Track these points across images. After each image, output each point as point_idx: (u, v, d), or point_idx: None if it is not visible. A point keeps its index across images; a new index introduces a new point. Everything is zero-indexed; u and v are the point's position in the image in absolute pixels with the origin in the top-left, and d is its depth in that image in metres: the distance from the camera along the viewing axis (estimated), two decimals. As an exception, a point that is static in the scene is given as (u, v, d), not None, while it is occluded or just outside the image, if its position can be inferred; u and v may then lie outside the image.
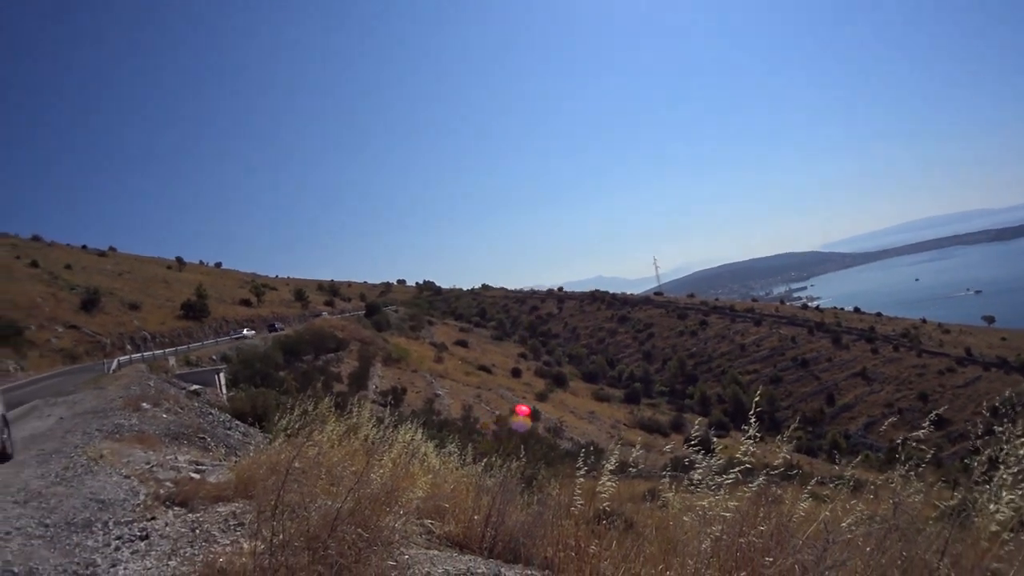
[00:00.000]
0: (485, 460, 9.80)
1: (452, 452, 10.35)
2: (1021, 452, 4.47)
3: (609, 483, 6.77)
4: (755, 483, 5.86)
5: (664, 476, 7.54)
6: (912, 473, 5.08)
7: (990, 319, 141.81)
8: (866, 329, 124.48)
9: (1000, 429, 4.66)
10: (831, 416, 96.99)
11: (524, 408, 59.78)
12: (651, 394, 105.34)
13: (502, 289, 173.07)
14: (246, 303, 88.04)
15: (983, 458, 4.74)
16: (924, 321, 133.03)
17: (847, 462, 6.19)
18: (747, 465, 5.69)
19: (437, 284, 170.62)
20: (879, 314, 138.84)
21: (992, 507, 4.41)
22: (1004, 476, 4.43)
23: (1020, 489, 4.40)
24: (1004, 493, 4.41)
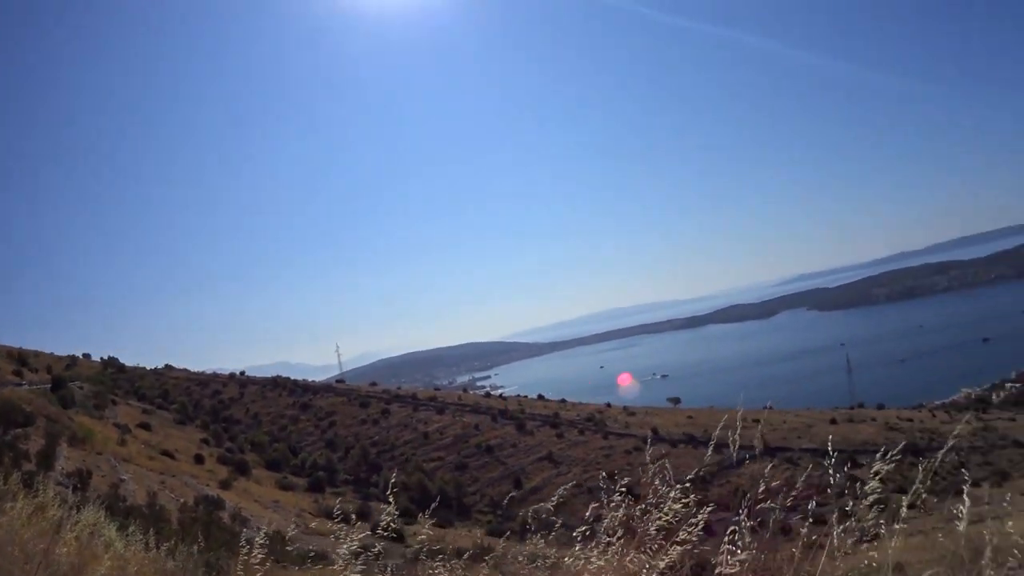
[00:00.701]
0: (167, 545, 10.61)
1: (137, 537, 10.73)
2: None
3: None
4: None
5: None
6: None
7: (675, 400, 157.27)
8: (551, 415, 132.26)
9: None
10: (520, 499, 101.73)
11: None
12: (335, 483, 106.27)
13: (185, 370, 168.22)
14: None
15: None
16: (609, 405, 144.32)
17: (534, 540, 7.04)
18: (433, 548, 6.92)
19: (121, 361, 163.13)
20: (563, 400, 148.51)
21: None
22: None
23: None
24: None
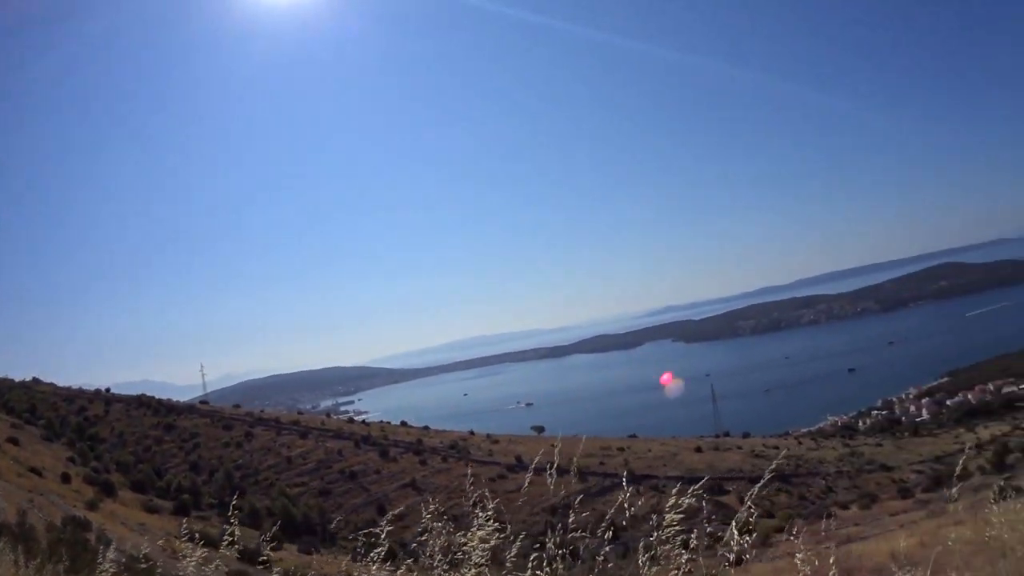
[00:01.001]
0: (35, 563, 11.26)
1: (7, 555, 11.18)
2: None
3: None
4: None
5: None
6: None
7: (540, 429, 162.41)
8: (414, 442, 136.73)
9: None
10: (384, 525, 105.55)
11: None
12: (201, 506, 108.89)
13: (52, 385, 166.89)
14: None
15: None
16: (472, 433, 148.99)
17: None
18: None
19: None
20: (427, 427, 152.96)
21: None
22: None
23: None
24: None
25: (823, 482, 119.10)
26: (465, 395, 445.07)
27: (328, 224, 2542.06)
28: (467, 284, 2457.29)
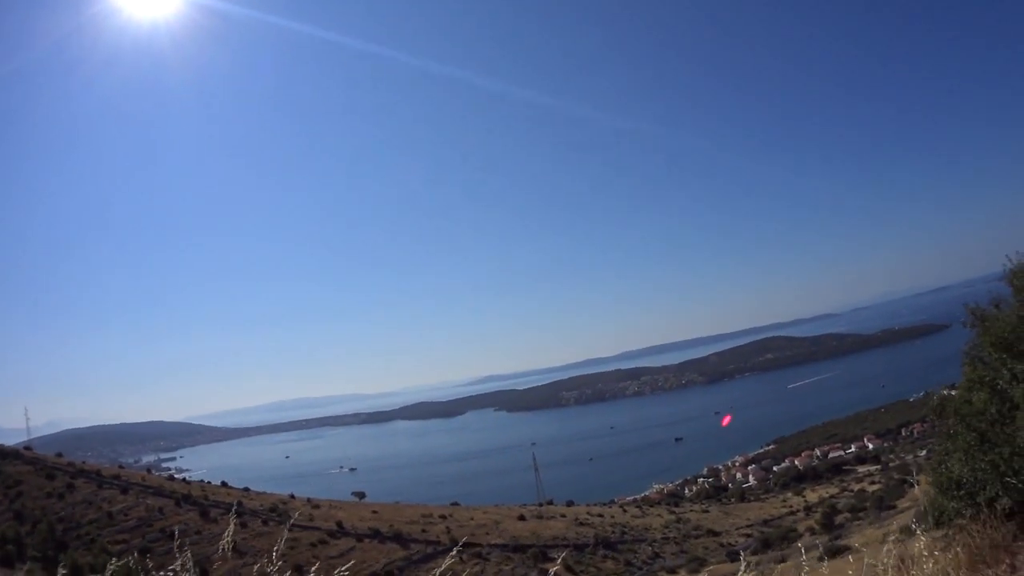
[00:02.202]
0: None
1: None
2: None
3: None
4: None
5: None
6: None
7: (360, 494, 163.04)
8: (234, 503, 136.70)
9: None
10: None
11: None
12: (24, 559, 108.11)
13: None
14: None
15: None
16: (293, 496, 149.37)
17: None
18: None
19: None
20: (247, 489, 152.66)
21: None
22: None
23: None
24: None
25: (649, 548, 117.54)
26: (287, 457, 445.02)
27: (154, 273, 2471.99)
28: (289, 345, 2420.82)
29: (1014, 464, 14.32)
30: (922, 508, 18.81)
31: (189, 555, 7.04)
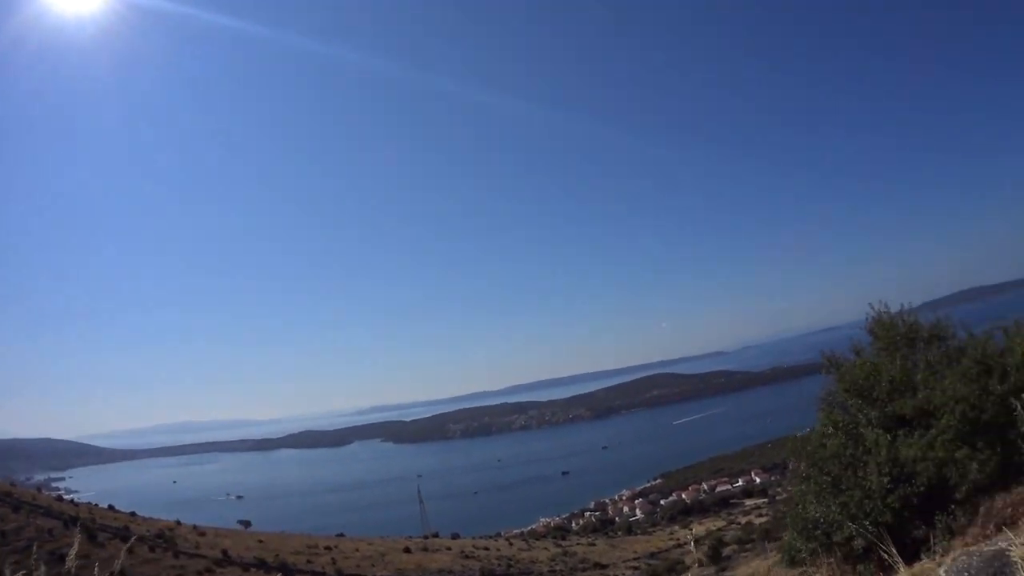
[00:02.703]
0: None
1: None
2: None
3: None
4: None
5: None
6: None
7: (246, 523, 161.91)
8: (121, 527, 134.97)
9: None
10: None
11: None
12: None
13: None
14: None
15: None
16: (179, 523, 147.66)
17: None
18: None
19: None
20: (134, 513, 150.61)
21: None
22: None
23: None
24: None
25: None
26: (174, 482, 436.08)
27: (45, 283, 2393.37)
28: (176, 367, 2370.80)
29: (865, 507, 15.44)
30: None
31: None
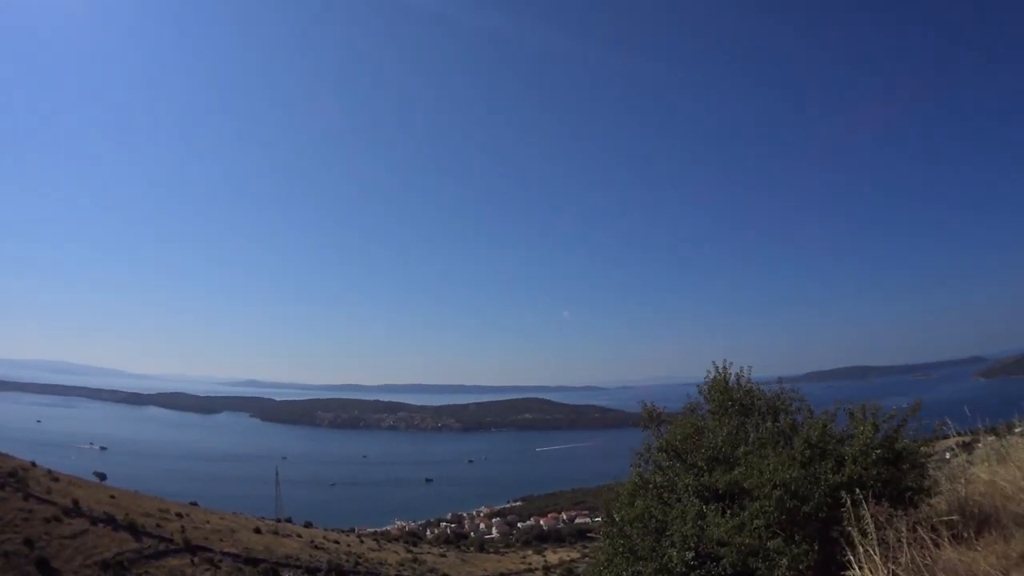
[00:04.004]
0: None
1: None
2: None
3: None
4: None
5: None
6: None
7: (102, 475, 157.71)
8: None
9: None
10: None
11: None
12: None
13: None
14: None
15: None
16: (34, 465, 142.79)
17: None
18: None
19: None
20: None
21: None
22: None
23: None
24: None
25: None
26: (38, 422, 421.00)
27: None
28: (62, 304, 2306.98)
29: None
30: None
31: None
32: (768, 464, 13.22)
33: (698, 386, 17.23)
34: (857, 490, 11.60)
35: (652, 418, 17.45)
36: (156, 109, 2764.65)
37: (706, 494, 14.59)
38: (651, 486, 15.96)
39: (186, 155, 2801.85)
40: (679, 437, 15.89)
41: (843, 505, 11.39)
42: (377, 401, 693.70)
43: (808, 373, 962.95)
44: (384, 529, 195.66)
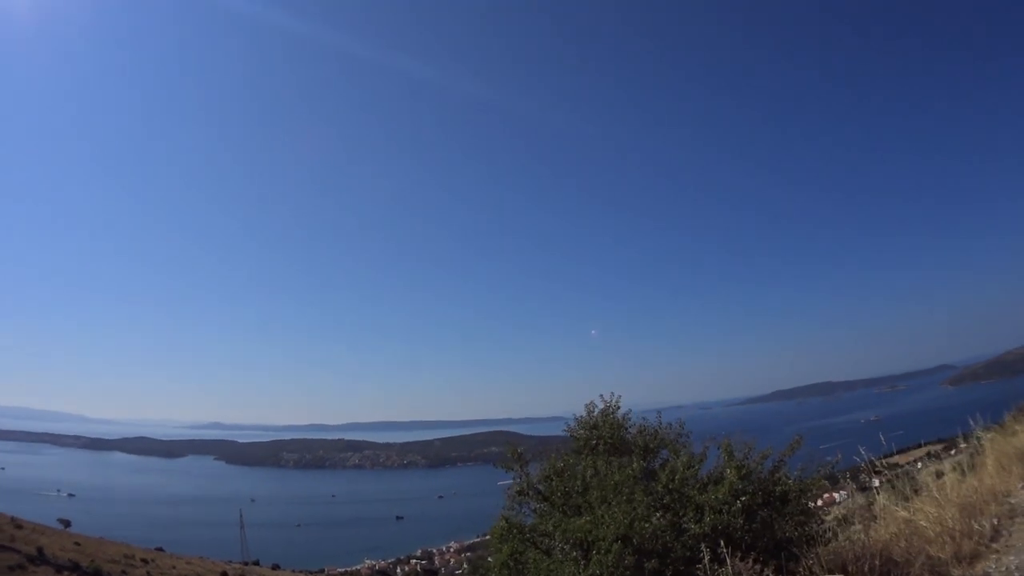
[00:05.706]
0: None
1: None
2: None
3: None
4: None
5: None
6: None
7: (66, 522, 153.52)
8: None
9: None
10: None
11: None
12: None
13: None
14: None
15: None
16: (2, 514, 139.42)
17: None
18: None
19: None
20: None
21: None
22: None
23: None
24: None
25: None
26: (2, 469, 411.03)
27: None
28: (22, 350, 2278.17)
29: None
30: None
31: None
32: (614, 512, 11.75)
33: (566, 424, 16.67)
34: (721, 542, 10.12)
35: (514, 457, 15.99)
36: (103, 157, 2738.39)
37: (571, 540, 12.77)
38: (515, 532, 14.62)
39: (143, 195, 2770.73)
40: (537, 479, 15.02)
41: (700, 559, 9.93)
42: (341, 440, 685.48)
43: (774, 392, 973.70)
44: (354, 568, 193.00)
